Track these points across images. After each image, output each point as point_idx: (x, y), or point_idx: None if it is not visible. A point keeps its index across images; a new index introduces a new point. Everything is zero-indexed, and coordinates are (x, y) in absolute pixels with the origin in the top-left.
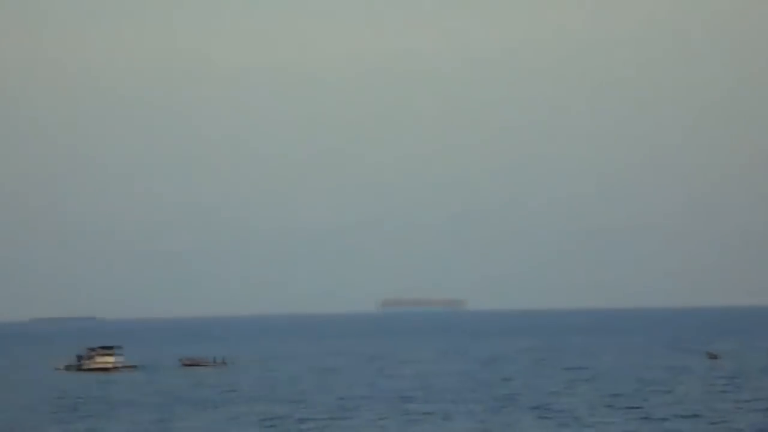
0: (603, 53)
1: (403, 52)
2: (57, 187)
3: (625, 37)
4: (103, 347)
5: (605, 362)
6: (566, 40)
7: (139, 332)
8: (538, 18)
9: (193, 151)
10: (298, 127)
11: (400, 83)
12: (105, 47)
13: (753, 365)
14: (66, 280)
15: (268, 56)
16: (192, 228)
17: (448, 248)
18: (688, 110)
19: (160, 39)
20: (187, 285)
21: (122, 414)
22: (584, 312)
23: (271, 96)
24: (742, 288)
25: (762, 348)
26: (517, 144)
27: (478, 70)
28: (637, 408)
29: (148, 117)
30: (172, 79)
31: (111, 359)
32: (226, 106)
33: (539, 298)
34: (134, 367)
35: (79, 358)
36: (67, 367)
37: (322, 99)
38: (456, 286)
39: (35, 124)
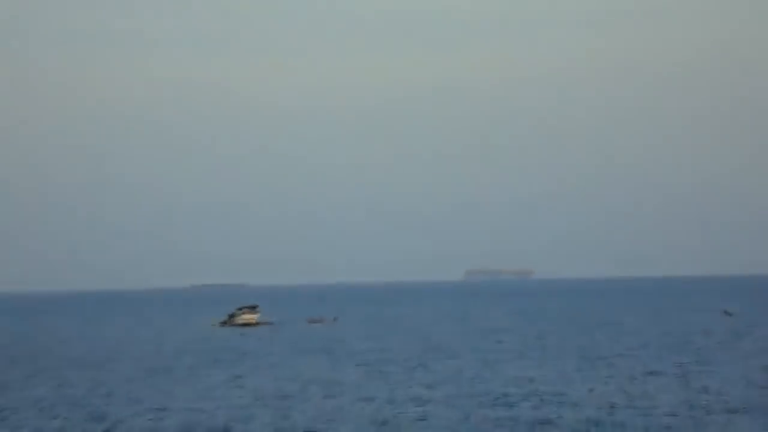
0: None
1: None
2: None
3: None
4: (247, 307)
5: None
6: None
7: (278, 296)
8: None
9: None
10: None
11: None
12: None
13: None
14: (219, 252)
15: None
16: (315, 200)
17: (519, 223)
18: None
19: None
20: (314, 256)
21: (256, 356)
22: (641, 280)
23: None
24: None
25: None
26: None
27: None
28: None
29: None
30: None
31: (253, 316)
32: None
33: (598, 267)
34: (271, 323)
35: (230, 315)
36: (221, 323)
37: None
38: (525, 257)
39: None
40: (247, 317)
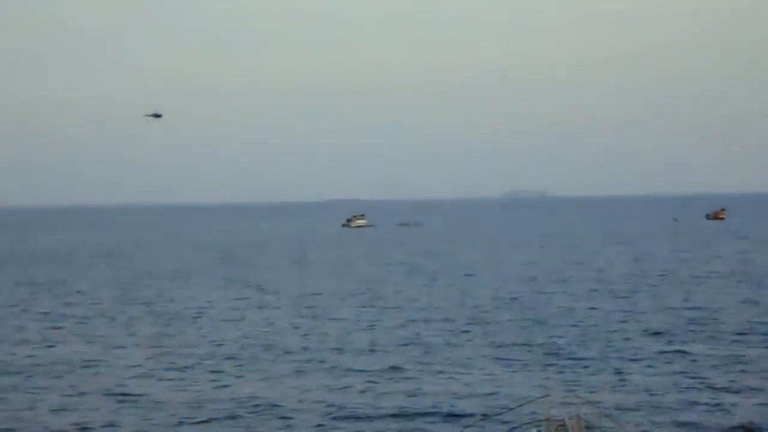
0: None
1: None
2: None
3: None
4: (357, 215)
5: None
6: None
7: (380, 207)
8: None
9: None
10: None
11: None
12: None
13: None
14: (339, 169)
15: None
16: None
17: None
18: None
19: None
20: (404, 174)
21: (360, 245)
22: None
23: None
24: None
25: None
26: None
27: None
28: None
29: None
30: None
31: (362, 221)
32: None
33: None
34: (373, 225)
35: (348, 220)
36: (342, 225)
37: None
38: (542, 179)
39: None
40: (358, 221)
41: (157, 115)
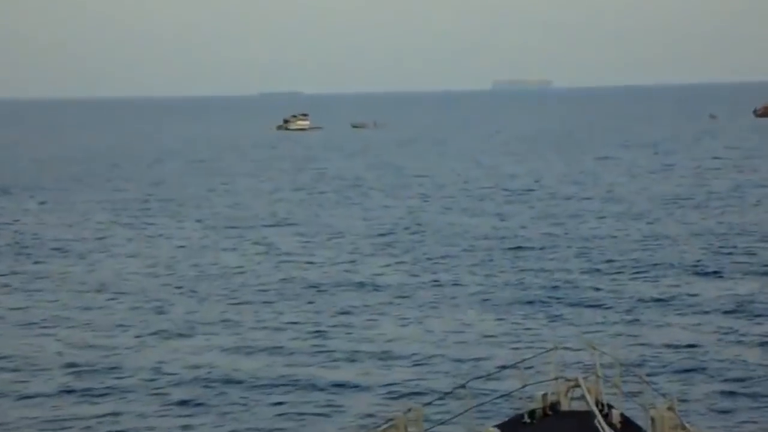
0: None
1: None
2: None
3: None
4: (299, 114)
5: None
6: None
7: (330, 103)
8: None
9: None
10: None
11: None
12: None
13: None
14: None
15: None
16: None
17: (540, 34)
18: None
19: None
20: (367, 63)
21: (308, 156)
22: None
23: None
24: None
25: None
26: None
27: None
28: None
29: None
30: None
31: (305, 122)
32: None
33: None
34: (320, 128)
35: (285, 121)
36: (278, 128)
37: None
38: (545, 68)
39: None
40: (300, 123)
41: None
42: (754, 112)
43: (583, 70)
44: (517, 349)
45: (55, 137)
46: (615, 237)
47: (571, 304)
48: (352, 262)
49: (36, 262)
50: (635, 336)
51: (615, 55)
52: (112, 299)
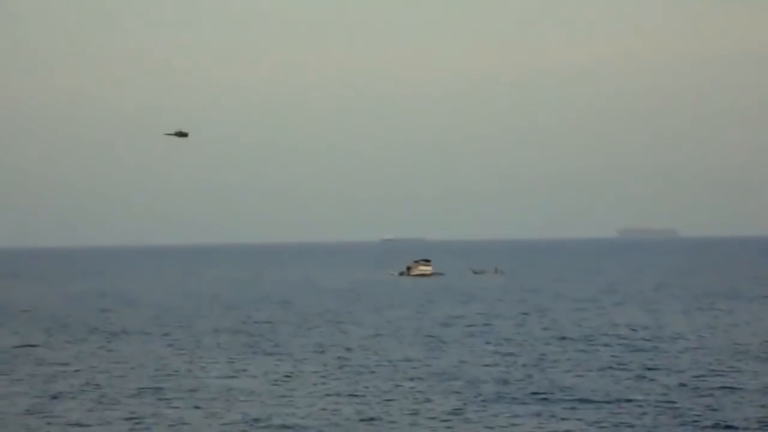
0: None
1: None
2: None
3: None
4: (422, 260)
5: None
6: None
7: (452, 250)
8: None
9: None
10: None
11: None
12: None
13: None
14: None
15: None
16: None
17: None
18: None
19: None
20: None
21: (418, 301)
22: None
23: None
24: None
25: None
26: None
27: None
28: None
29: None
30: None
31: (427, 268)
32: None
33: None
34: (441, 273)
35: (408, 267)
36: (400, 273)
37: None
38: (670, 216)
39: None
40: (422, 269)
41: (183, 134)
42: None
43: (708, 218)
44: None
45: (180, 283)
46: None
47: None
48: None
49: None
50: None
51: (740, 205)
52: None
